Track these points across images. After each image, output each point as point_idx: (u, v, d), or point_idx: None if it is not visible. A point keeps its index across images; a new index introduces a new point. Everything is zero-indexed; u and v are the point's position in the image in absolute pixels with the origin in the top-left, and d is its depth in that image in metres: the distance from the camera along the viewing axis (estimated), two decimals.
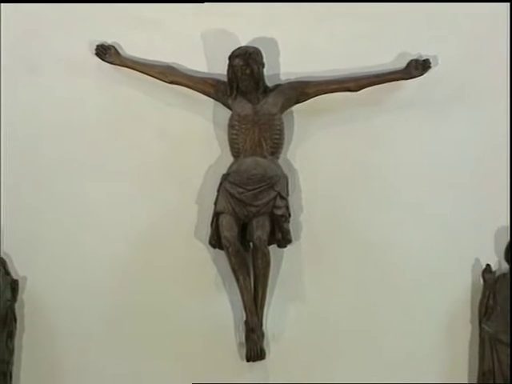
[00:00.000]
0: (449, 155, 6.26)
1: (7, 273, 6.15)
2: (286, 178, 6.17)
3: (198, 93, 6.24)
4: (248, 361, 6.06)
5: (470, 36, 6.33)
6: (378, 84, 6.21)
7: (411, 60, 6.15)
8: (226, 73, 6.15)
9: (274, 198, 6.11)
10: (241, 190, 6.10)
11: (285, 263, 6.22)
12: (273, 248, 6.10)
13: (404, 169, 6.26)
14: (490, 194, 6.25)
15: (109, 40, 6.27)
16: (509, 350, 6.09)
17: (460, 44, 6.28)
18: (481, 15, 6.35)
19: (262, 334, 6.07)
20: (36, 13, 6.37)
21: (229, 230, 6.09)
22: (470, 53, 6.29)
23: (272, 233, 6.12)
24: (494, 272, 6.16)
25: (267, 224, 6.11)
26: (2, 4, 6.32)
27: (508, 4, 6.66)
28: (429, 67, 6.15)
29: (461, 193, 6.26)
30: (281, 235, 6.11)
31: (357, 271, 6.21)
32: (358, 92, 6.16)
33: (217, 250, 6.14)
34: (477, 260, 6.19)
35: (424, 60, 6.15)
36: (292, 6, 6.32)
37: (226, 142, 6.21)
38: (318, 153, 6.27)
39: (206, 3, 6.64)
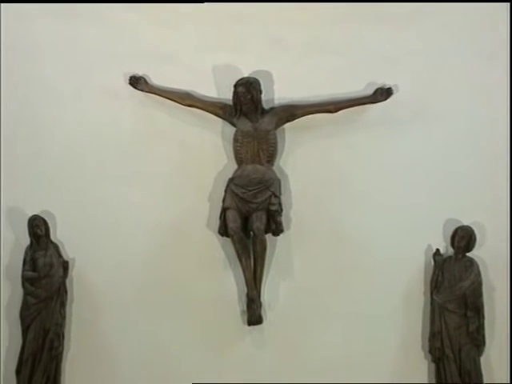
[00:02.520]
0: (407, 163, 7.28)
1: (60, 255, 7.15)
2: (279, 180, 7.17)
3: (209, 113, 7.33)
4: (249, 325, 7.09)
5: (424, 69, 7.33)
6: (352, 107, 7.29)
7: (377, 88, 7.26)
8: (231, 98, 7.24)
9: (270, 196, 7.12)
10: (243, 190, 7.09)
11: (278, 248, 7.26)
12: (268, 236, 7.18)
13: (372, 174, 7.27)
14: (441, 193, 7.24)
15: (139, 72, 7.34)
16: (453, 316, 6.98)
17: (416, 75, 7.32)
18: (431, 53, 7.32)
19: (260, 304, 7.08)
20: (81, 49, 7.31)
21: (234, 222, 7.10)
22: (425, 82, 7.32)
23: (268, 224, 7.15)
24: (442, 255, 7.21)
25: (264, 217, 7.12)
26: (57, 41, 7.19)
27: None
28: (391, 94, 7.26)
29: (417, 193, 7.24)
30: (275, 226, 7.15)
31: (334, 254, 7.21)
32: (336, 113, 7.25)
33: (224, 237, 7.17)
34: (429, 245, 7.22)
35: (387, 88, 7.25)
36: (283, 47, 7.30)
37: (232, 153, 7.26)
38: (305, 161, 7.32)
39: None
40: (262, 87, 7.33)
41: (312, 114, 7.37)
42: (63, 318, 7.07)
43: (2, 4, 7.35)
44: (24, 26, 7.42)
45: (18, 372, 7.03)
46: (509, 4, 7.48)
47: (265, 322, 7.15)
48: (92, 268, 7.26)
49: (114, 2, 7.41)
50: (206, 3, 7.53)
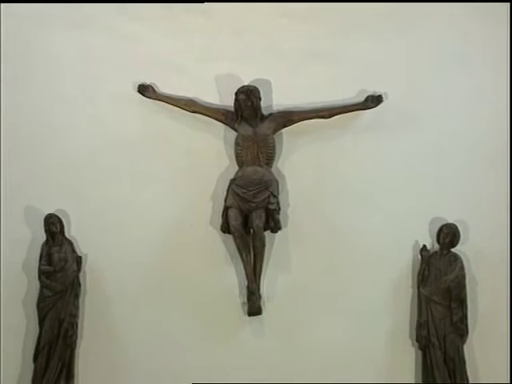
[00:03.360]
0: (395, 166, 7.53)
1: (73, 250, 7.35)
2: (277, 181, 7.41)
3: (212, 119, 7.57)
4: (249, 315, 7.31)
5: (411, 78, 7.58)
6: (345, 113, 7.54)
7: (368, 95, 7.52)
8: (233, 104, 7.49)
9: (268, 196, 7.35)
10: (244, 190, 7.32)
11: (276, 244, 7.48)
12: (267, 233, 7.40)
13: (363, 175, 7.53)
14: (427, 193, 7.48)
15: (147, 81, 7.59)
16: (439, 307, 7.16)
17: (404, 83, 7.58)
18: (418, 62, 7.58)
19: (260, 296, 7.31)
20: (93, 59, 7.55)
21: (235, 220, 7.33)
22: (412, 90, 7.57)
23: (266, 222, 7.37)
24: (429, 250, 7.41)
25: (263, 215, 7.34)
26: (71, 52, 7.44)
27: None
28: (381, 101, 7.52)
29: (405, 193, 7.49)
30: (273, 224, 7.37)
31: (328, 250, 7.43)
32: (330, 119, 7.52)
33: (226, 234, 7.41)
34: (416, 241, 7.45)
35: (378, 95, 7.51)
36: (280, 57, 7.54)
37: (233, 156, 7.49)
38: (301, 163, 7.57)
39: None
40: (261, 94, 7.53)
41: (307, 119, 7.57)
42: (77, 308, 7.27)
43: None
44: (40, 38, 7.59)
45: (35, 359, 7.19)
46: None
47: (264, 313, 7.35)
48: (103, 263, 7.43)
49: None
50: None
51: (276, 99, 7.63)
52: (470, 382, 7.17)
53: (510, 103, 7.58)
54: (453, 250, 7.38)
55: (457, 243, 7.37)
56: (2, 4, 7.53)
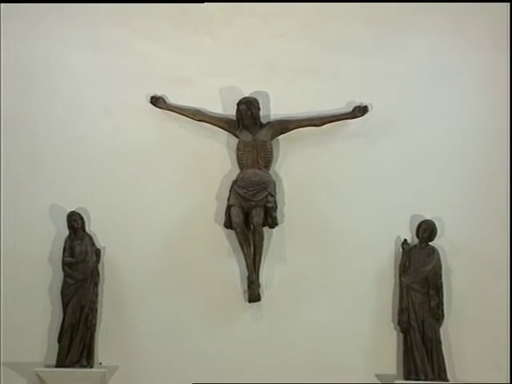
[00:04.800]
0: (379, 168, 7.89)
1: (93, 244, 7.69)
2: (274, 182, 7.76)
3: (216, 127, 7.91)
4: (249, 302, 7.64)
5: (394, 90, 7.96)
6: (335, 121, 7.88)
7: (355, 106, 7.88)
8: (235, 114, 7.83)
9: (266, 196, 7.69)
10: (245, 190, 7.67)
11: (273, 238, 7.81)
12: (265, 229, 7.75)
13: (351, 177, 7.89)
14: (408, 193, 7.83)
15: (159, 93, 7.95)
16: (418, 294, 7.42)
17: (387, 96, 7.94)
18: (400, 77, 7.95)
19: (259, 285, 7.64)
20: (110, 74, 7.91)
21: (237, 217, 7.67)
22: (394, 101, 7.95)
23: (265, 218, 7.71)
24: (409, 244, 7.74)
25: (262, 213, 7.68)
26: (90, 67, 7.78)
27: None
28: (367, 111, 7.87)
29: (388, 192, 7.84)
30: (271, 220, 7.72)
31: (320, 243, 7.78)
32: (322, 127, 7.86)
33: (229, 229, 7.76)
34: (398, 236, 7.80)
35: (364, 106, 7.86)
36: (277, 72, 7.89)
37: (235, 159, 7.85)
38: (296, 166, 7.93)
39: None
40: (260, 105, 7.85)
41: (301, 127, 7.87)
42: (96, 295, 7.56)
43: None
44: (65, 57, 7.98)
45: (60, 340, 7.50)
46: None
47: (263, 300, 7.67)
48: (120, 255, 7.72)
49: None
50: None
51: (273, 109, 7.96)
52: (445, 360, 7.47)
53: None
54: (430, 243, 7.68)
55: (434, 237, 7.67)
56: (36, 29, 7.90)
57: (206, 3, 7.90)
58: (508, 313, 7.69)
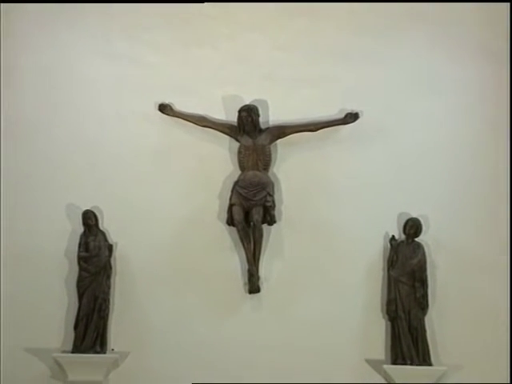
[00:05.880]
0: (369, 170, 8.06)
1: (106, 240, 7.82)
2: (272, 183, 7.91)
3: (219, 132, 8.07)
4: (250, 293, 7.78)
5: (383, 98, 8.14)
6: (328, 127, 8.06)
7: (347, 113, 8.08)
8: (236, 120, 8.00)
9: (265, 195, 7.82)
10: (245, 190, 7.81)
11: (272, 235, 7.96)
12: (264, 226, 7.89)
13: (343, 178, 8.05)
14: (395, 193, 8.02)
15: (166, 101, 8.12)
16: (405, 286, 7.55)
17: (377, 103, 8.15)
18: (389, 86, 8.15)
19: (258, 278, 7.79)
20: (121, 83, 8.12)
21: (238, 215, 7.81)
22: (383, 109, 8.16)
23: (264, 216, 7.84)
24: (397, 240, 7.89)
25: (261, 211, 7.81)
26: (104, 77, 7.96)
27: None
28: (358, 117, 8.06)
29: (377, 192, 8.00)
30: (269, 218, 7.85)
31: (314, 239, 7.91)
32: (316, 132, 8.05)
33: (231, 227, 7.89)
34: (386, 232, 7.95)
35: (355, 113, 8.05)
36: (275, 81, 8.06)
37: (236, 162, 7.99)
38: (292, 168, 8.08)
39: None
40: (260, 112, 8.01)
41: (298, 132, 8.03)
42: (109, 287, 7.69)
43: (56, 40, 8.12)
44: (79, 66, 8.17)
45: (76, 328, 7.63)
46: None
47: (262, 291, 7.82)
48: (130, 250, 7.85)
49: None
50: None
51: (272, 116, 8.14)
52: (429, 346, 7.65)
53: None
54: (416, 239, 7.85)
55: (419, 234, 7.85)
56: (56, 42, 8.09)
57: (210, 21, 8.17)
58: (488, 303, 7.86)
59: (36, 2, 8.19)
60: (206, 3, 8.11)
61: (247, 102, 8.13)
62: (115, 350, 7.77)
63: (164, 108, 8.14)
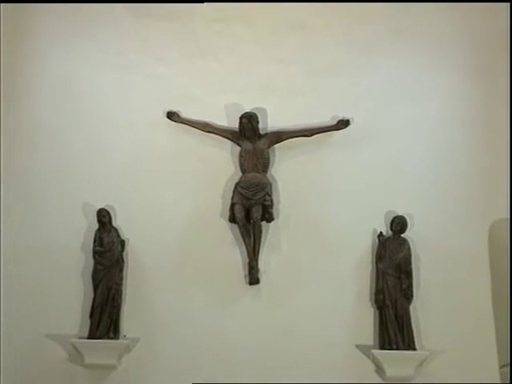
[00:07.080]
0: (359, 172, 8.47)
1: (119, 236, 8.26)
2: (270, 184, 8.33)
3: (222, 137, 8.51)
4: (250, 284, 8.18)
5: (372, 106, 8.51)
6: (322, 132, 8.48)
7: (339, 120, 8.51)
8: (238, 126, 8.42)
9: (264, 195, 8.23)
10: (246, 190, 8.22)
11: (270, 231, 8.37)
12: (263, 223, 8.31)
13: (336, 179, 8.48)
14: (383, 193, 8.42)
15: (174, 109, 8.61)
16: (391, 278, 7.91)
17: (367, 111, 8.54)
18: (378, 95, 8.52)
19: (258, 270, 8.19)
20: (132, 93, 8.55)
21: (239, 213, 8.22)
22: (373, 116, 8.54)
23: (263, 214, 8.24)
24: (384, 236, 8.29)
25: (260, 210, 8.21)
26: (115, 88, 8.41)
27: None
28: (349, 124, 8.50)
29: (366, 192, 8.39)
30: (268, 216, 8.26)
31: (309, 235, 8.30)
32: (311, 137, 8.44)
33: (233, 224, 8.31)
34: (374, 229, 8.35)
35: (346, 120, 8.44)
36: (273, 91, 8.46)
37: (238, 165, 8.42)
38: (289, 171, 8.49)
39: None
40: (259, 119, 8.43)
41: (294, 137, 8.46)
42: (121, 279, 8.11)
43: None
44: (93, 77, 8.65)
45: (91, 316, 8.05)
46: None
47: (261, 283, 8.21)
48: (141, 245, 8.26)
49: None
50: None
51: (270, 122, 8.58)
52: (414, 332, 8.00)
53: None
54: (402, 235, 8.25)
55: (405, 230, 8.26)
56: (71, 55, 8.54)
57: (213, 36, 8.61)
58: (467, 293, 8.24)
59: (55, 15, 8.77)
60: (210, 21, 8.62)
61: (248, 110, 8.55)
62: (127, 336, 8.16)
63: (172, 115, 8.61)
